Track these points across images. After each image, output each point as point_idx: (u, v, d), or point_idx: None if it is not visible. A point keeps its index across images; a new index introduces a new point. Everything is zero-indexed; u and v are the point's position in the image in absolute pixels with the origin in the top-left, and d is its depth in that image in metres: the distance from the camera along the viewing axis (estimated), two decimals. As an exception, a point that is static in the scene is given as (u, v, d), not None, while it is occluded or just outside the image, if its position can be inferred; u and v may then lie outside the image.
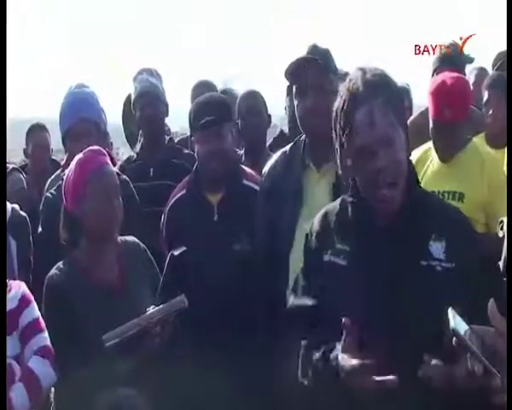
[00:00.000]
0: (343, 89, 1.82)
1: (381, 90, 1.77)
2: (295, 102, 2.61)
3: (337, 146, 1.85)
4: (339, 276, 1.85)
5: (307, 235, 2.02)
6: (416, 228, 1.80)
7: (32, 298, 2.43)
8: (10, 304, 2.36)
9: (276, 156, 2.80)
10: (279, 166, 2.72)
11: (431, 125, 3.13)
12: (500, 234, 2.10)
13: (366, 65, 1.83)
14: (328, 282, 1.87)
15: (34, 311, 2.40)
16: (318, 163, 2.58)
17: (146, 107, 3.67)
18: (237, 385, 2.55)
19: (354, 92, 1.77)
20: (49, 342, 2.35)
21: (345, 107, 1.79)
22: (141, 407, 2.18)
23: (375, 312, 1.72)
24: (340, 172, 1.90)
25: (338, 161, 1.87)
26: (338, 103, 1.83)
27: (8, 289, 2.39)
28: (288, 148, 2.75)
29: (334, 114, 1.85)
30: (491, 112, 3.59)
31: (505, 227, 2.05)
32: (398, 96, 1.84)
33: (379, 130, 1.74)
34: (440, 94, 3.09)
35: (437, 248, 1.78)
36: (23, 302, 2.40)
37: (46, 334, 2.36)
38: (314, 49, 2.59)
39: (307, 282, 1.99)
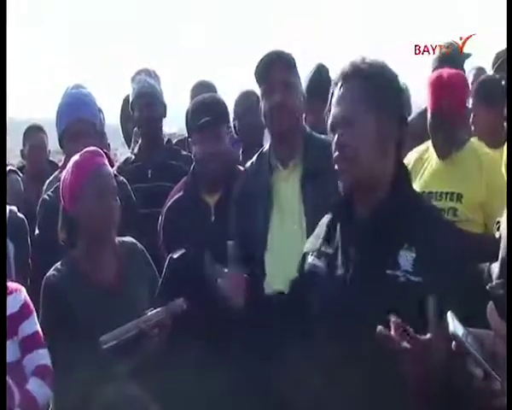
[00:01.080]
0: None
1: (364, 75, 1.83)
2: (263, 102, 2.68)
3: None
4: (316, 278, 1.91)
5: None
6: (390, 233, 1.78)
7: (33, 308, 2.42)
8: (11, 308, 2.35)
9: (249, 162, 2.85)
10: (247, 177, 2.78)
11: (429, 118, 3.14)
12: (497, 235, 2.09)
13: (368, 55, 1.89)
14: (308, 283, 1.94)
15: (35, 323, 2.39)
16: (285, 162, 2.65)
17: (144, 108, 3.67)
18: (237, 386, 2.55)
19: (341, 72, 1.87)
20: (46, 361, 2.35)
21: (332, 85, 1.90)
22: (140, 402, 2.20)
23: (338, 318, 1.77)
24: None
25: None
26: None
27: (8, 290, 2.38)
28: (254, 158, 2.81)
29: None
30: (472, 117, 3.62)
31: (502, 228, 2.04)
32: (384, 91, 1.84)
33: (342, 108, 1.83)
34: (438, 85, 3.13)
35: (406, 258, 1.74)
36: (24, 310, 2.39)
37: (45, 350, 2.36)
38: (277, 53, 2.67)
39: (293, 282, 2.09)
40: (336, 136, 1.84)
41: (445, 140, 3.11)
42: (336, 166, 1.85)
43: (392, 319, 1.54)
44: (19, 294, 2.41)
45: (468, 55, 4.21)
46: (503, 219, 2.03)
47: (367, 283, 1.76)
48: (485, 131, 3.54)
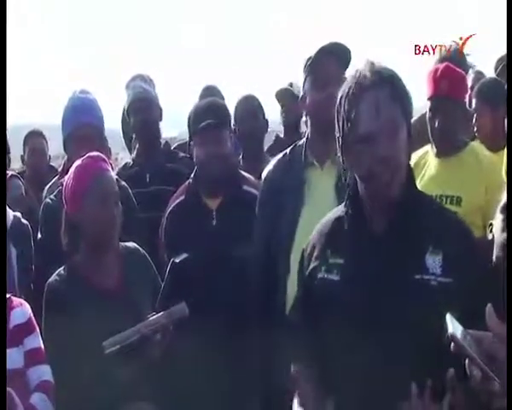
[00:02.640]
0: (349, 78, 1.81)
1: (389, 82, 1.76)
2: (312, 93, 2.60)
3: (338, 135, 1.83)
4: (332, 292, 1.82)
5: (303, 251, 2.00)
6: (413, 238, 1.75)
7: (37, 326, 2.42)
8: (18, 319, 2.37)
9: (274, 161, 2.80)
10: (278, 169, 2.72)
11: (428, 108, 3.15)
12: (490, 236, 2.12)
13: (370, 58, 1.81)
14: (322, 300, 1.84)
15: (39, 339, 2.40)
16: (322, 159, 2.59)
17: (140, 113, 3.68)
18: (239, 391, 2.56)
19: (361, 80, 1.75)
20: (50, 377, 2.35)
21: (350, 93, 1.76)
22: None
23: (365, 328, 1.69)
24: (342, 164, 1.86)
25: (338, 150, 1.84)
26: (342, 91, 1.81)
27: (14, 304, 2.39)
28: (287, 151, 2.75)
29: (337, 102, 1.82)
30: (474, 119, 3.64)
31: (494, 229, 2.06)
32: (405, 95, 1.81)
33: (384, 117, 1.72)
34: (436, 70, 3.16)
35: (433, 261, 1.71)
36: (30, 324, 2.40)
37: (48, 367, 2.36)
38: (336, 45, 2.61)
39: (301, 302, 1.99)
40: (378, 147, 1.71)
41: (444, 130, 3.10)
42: (375, 177, 1.74)
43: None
44: (25, 308, 2.42)
45: (470, 66, 4.23)
46: (495, 222, 2.06)
47: (397, 291, 1.70)
48: (488, 132, 3.56)
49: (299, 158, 2.64)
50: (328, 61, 2.57)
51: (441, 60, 4.03)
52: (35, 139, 4.89)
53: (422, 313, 1.64)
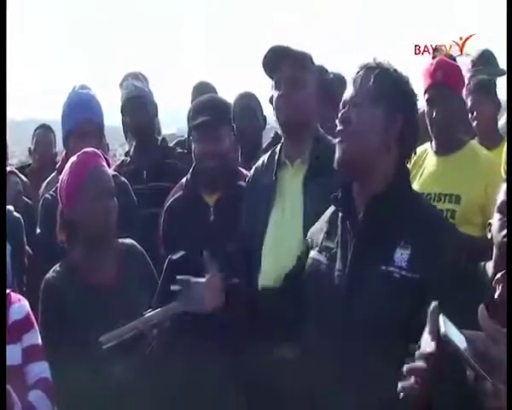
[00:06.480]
0: None
1: (379, 68, 1.93)
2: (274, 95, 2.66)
3: None
4: (318, 272, 1.96)
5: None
6: (386, 230, 1.82)
7: (35, 322, 2.41)
8: (16, 315, 2.35)
9: (261, 159, 2.85)
10: (258, 171, 2.79)
11: (426, 99, 3.15)
12: (489, 236, 2.14)
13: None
14: (308, 278, 2.00)
15: (37, 336, 2.39)
16: (292, 159, 2.64)
17: (134, 112, 3.70)
18: (237, 388, 2.56)
19: (361, 63, 1.97)
20: (48, 374, 2.34)
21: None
22: None
23: (334, 312, 1.82)
24: None
25: None
26: None
27: (12, 299, 2.38)
28: (266, 155, 2.81)
29: None
30: (475, 114, 3.65)
31: (492, 229, 2.09)
32: (396, 86, 1.92)
33: (352, 90, 1.93)
34: (431, 64, 3.18)
35: (401, 255, 1.78)
36: (29, 321, 2.39)
37: (46, 364, 2.35)
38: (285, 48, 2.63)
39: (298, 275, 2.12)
40: (341, 112, 1.92)
41: (442, 120, 3.09)
42: (336, 140, 1.92)
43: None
44: (23, 304, 2.41)
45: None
46: (493, 221, 2.08)
47: (361, 278, 1.81)
48: (487, 123, 3.62)
49: (274, 161, 2.70)
50: (278, 65, 2.60)
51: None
52: (43, 133, 4.94)
53: (385, 303, 1.73)
